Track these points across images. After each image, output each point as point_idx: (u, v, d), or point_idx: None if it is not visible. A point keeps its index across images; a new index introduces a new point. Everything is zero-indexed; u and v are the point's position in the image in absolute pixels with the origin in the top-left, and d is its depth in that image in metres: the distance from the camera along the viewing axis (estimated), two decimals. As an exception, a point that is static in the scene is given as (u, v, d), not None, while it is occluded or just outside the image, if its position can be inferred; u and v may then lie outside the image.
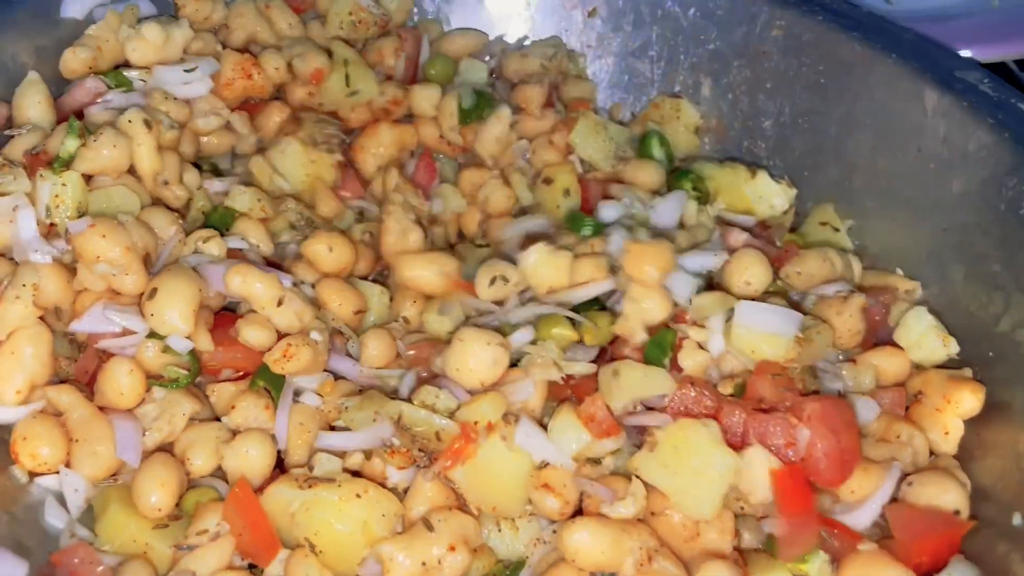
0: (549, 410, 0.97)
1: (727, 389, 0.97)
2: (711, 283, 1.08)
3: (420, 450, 0.94)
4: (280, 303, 1.01)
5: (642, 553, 0.86)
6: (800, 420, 0.90)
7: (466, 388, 0.95)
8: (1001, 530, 0.89)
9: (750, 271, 1.04)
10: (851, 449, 0.92)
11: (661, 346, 0.98)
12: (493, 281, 1.05)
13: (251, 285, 1.00)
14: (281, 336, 1.00)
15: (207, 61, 1.24)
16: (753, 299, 1.01)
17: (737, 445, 0.91)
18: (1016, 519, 0.89)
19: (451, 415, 0.93)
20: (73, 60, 1.18)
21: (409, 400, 0.96)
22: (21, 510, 0.89)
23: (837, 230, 1.27)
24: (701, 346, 0.99)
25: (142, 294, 0.99)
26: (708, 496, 0.87)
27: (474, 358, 0.94)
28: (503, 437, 0.92)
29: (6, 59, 1.18)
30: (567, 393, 0.99)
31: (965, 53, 1.35)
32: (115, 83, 1.18)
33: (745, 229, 1.20)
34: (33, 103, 1.11)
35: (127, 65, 1.22)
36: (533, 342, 1.00)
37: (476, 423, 0.92)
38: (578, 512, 0.93)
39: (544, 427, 0.94)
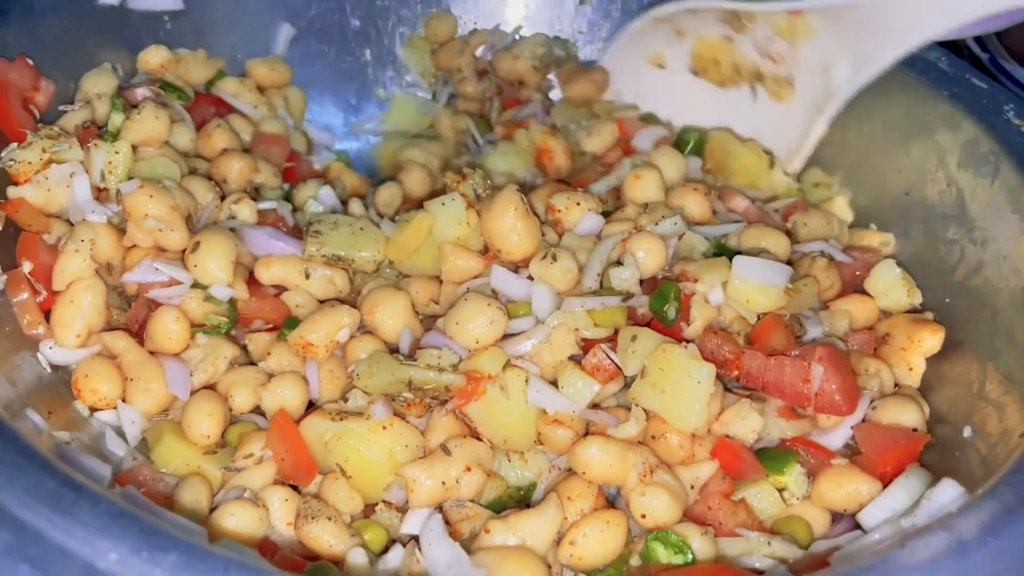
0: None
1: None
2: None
3: (432, 398, 1.02)
4: (308, 277, 1.12)
5: (645, 467, 0.96)
6: (813, 361, 1.00)
7: (463, 346, 1.02)
8: (954, 443, 1.00)
9: (766, 240, 1.16)
10: (853, 384, 1.03)
11: (663, 297, 1.05)
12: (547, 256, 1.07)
13: (276, 272, 1.12)
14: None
15: None
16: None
17: (757, 387, 1.01)
18: (966, 431, 1.01)
19: (454, 368, 1.01)
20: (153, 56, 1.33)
21: (412, 358, 1.03)
22: (86, 438, 0.98)
23: (831, 187, 1.39)
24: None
25: (185, 249, 1.09)
26: (694, 406, 0.96)
27: (473, 318, 1.02)
28: (501, 387, 1.00)
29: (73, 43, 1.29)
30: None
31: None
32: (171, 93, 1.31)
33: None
34: (100, 88, 1.24)
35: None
36: None
37: (478, 373, 1.00)
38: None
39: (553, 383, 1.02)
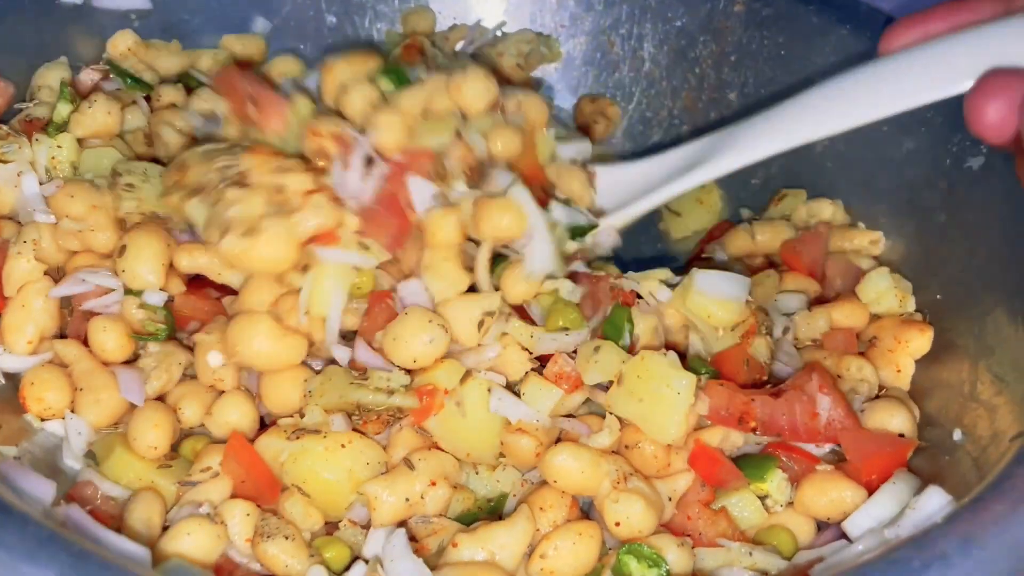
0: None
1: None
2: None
3: (389, 415, 0.97)
4: None
5: (618, 474, 0.92)
6: (816, 392, 0.96)
7: (397, 363, 0.96)
8: (944, 447, 0.96)
9: None
10: (847, 402, 0.99)
11: (616, 325, 1.01)
12: (481, 324, 0.98)
13: (198, 261, 1.03)
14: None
15: None
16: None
17: (773, 433, 0.97)
18: (956, 434, 0.96)
19: (406, 388, 0.95)
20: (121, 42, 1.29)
21: (364, 375, 0.96)
22: (39, 452, 0.94)
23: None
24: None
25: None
26: (673, 417, 0.91)
27: (412, 335, 0.95)
28: (457, 403, 0.95)
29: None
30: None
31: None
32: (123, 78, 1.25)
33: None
34: (50, 81, 1.19)
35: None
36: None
37: (432, 387, 0.95)
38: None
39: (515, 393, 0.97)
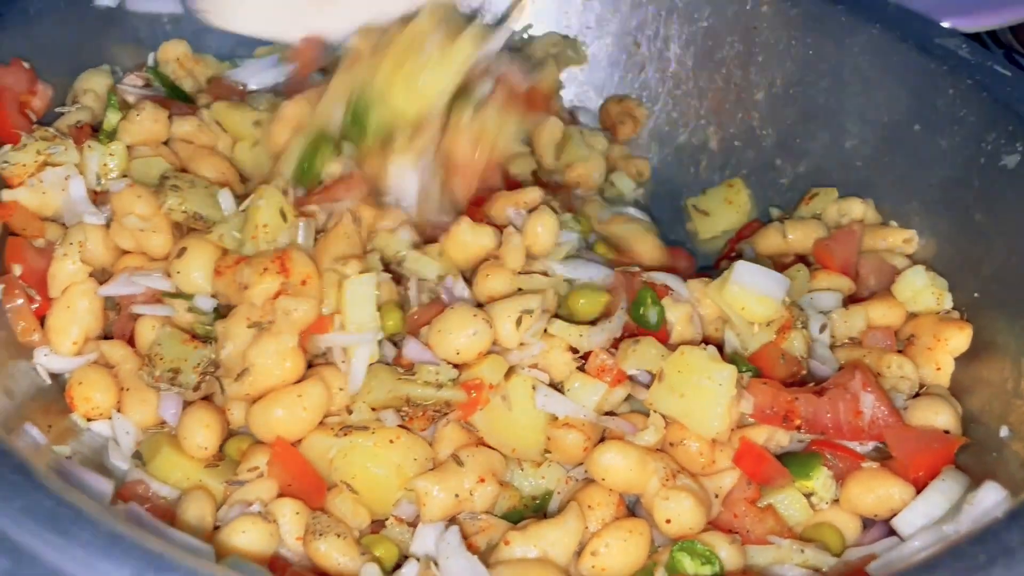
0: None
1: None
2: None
3: (435, 411, 0.98)
4: None
5: (666, 471, 0.92)
6: (859, 391, 0.97)
7: (440, 356, 0.98)
8: (991, 444, 0.96)
9: None
10: (890, 399, 0.99)
11: (642, 303, 1.03)
12: (519, 322, 1.00)
13: None
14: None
15: None
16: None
17: (817, 432, 0.97)
18: (1003, 431, 0.97)
19: (454, 382, 0.97)
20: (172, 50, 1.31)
21: (411, 371, 0.98)
22: (87, 451, 0.95)
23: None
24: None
25: (168, 255, 1.04)
26: (715, 409, 0.92)
27: (456, 329, 0.97)
28: (503, 398, 0.96)
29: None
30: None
31: (945, 24, 1.43)
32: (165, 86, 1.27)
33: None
34: (94, 87, 1.21)
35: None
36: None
37: (479, 381, 0.96)
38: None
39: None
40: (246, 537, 0.87)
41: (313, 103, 1.15)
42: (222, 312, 1.01)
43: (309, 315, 0.96)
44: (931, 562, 0.69)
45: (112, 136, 1.11)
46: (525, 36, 1.58)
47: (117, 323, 1.05)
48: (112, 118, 1.13)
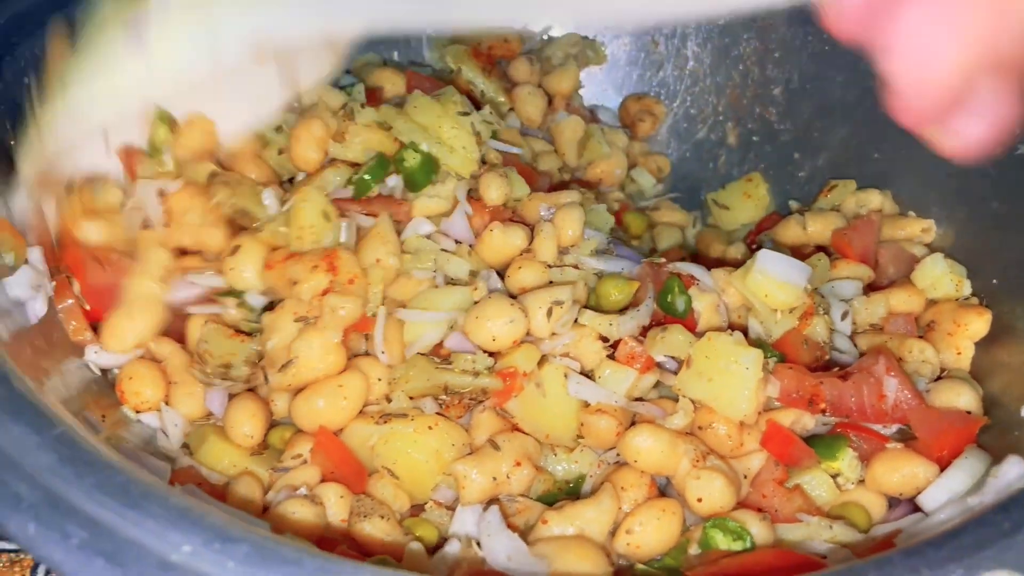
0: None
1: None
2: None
3: (471, 399, 1.02)
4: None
5: (696, 453, 0.96)
6: (883, 375, 1.00)
7: (476, 343, 1.01)
8: (1012, 424, 0.99)
9: None
10: (913, 383, 1.02)
11: (670, 291, 1.06)
12: (550, 313, 1.03)
13: None
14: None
15: None
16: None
17: (841, 415, 1.00)
18: (1023, 412, 1.00)
19: (490, 370, 1.01)
20: None
21: (447, 361, 1.02)
22: (137, 441, 0.98)
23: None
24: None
25: (223, 252, 1.07)
26: (743, 392, 0.95)
27: (493, 316, 1.00)
28: (537, 385, 1.00)
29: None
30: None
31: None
32: None
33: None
34: None
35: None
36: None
37: (514, 369, 1.00)
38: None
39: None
40: (297, 517, 0.91)
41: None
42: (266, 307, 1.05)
43: (354, 313, 1.00)
44: (956, 530, 0.72)
45: (160, 150, 1.12)
46: (545, 38, 1.61)
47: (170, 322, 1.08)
48: (160, 132, 1.12)
